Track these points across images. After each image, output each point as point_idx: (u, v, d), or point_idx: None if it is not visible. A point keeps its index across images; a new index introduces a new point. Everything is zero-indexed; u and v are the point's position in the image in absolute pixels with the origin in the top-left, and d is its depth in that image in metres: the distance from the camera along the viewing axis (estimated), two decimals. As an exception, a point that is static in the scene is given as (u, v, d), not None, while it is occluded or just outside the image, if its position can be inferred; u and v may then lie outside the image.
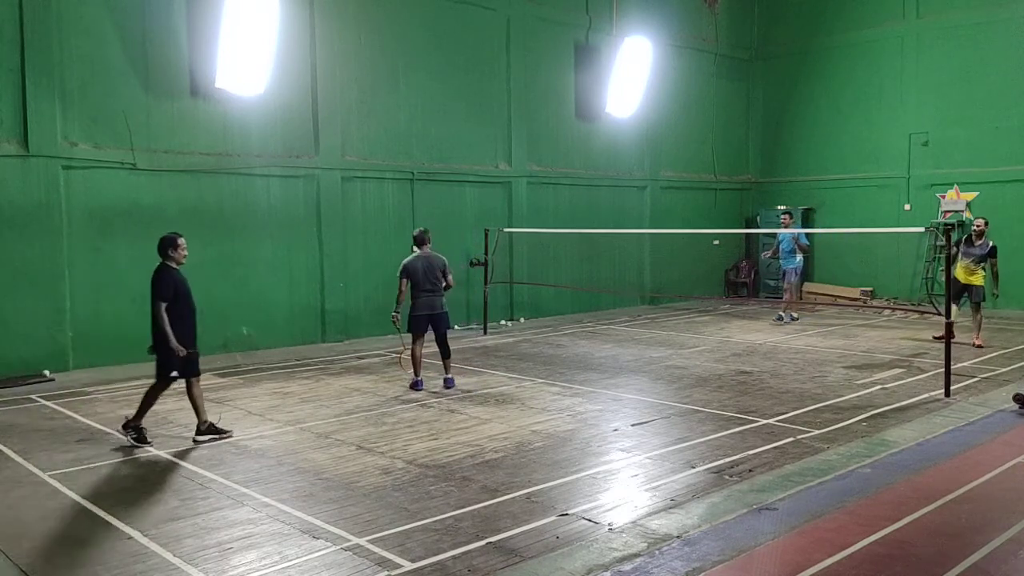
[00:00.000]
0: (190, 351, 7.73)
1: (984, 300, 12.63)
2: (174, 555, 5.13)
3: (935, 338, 12.90)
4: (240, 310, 12.97)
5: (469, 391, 9.96)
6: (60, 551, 5.24)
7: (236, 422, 8.53)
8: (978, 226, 12.50)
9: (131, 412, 7.93)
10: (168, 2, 12.21)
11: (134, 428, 7.79)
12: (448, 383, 10.09)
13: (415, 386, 10.06)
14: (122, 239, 11.88)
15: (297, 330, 13.64)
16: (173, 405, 9.38)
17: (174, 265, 7.79)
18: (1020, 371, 10.84)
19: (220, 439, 7.87)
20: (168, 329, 7.56)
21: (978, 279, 12.50)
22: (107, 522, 5.72)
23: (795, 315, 16.26)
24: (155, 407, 9.22)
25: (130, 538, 5.43)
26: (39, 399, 9.80)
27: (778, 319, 16.00)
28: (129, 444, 7.68)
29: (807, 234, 16.56)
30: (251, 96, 12.80)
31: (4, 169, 10.88)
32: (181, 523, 5.68)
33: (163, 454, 7.40)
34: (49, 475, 6.81)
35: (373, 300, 14.55)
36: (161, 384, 7.85)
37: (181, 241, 7.85)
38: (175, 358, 7.65)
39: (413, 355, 10.16)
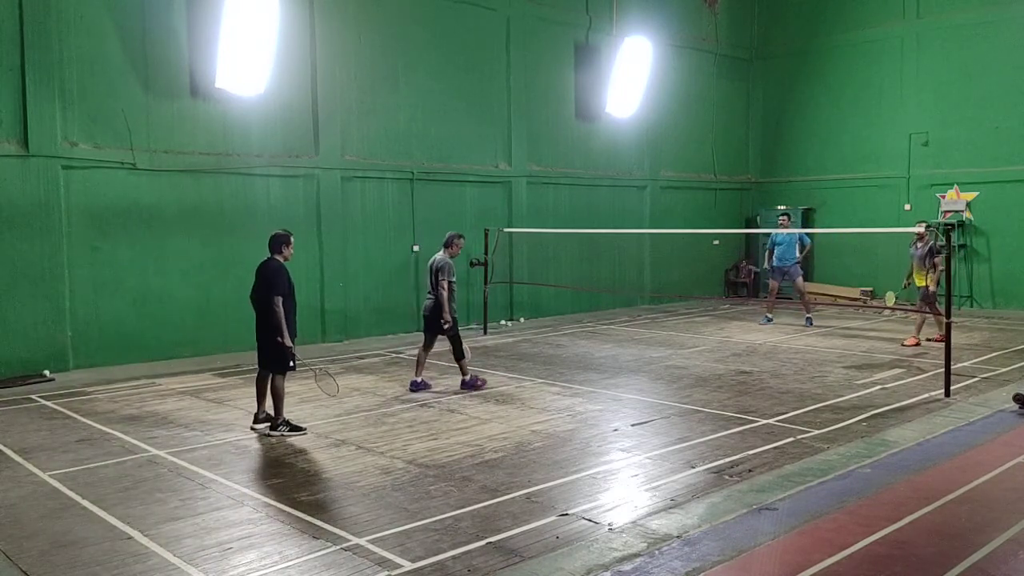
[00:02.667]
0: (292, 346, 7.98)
1: (932, 300, 12.85)
2: (174, 555, 5.13)
3: (930, 340, 13.04)
4: (240, 310, 12.95)
5: (417, 394, 9.89)
6: (60, 551, 5.23)
7: (236, 422, 8.54)
8: (919, 231, 12.83)
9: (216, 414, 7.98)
10: (168, 2, 12.21)
11: (284, 423, 8.00)
12: (461, 383, 10.02)
13: (411, 386, 10.04)
14: (122, 239, 11.88)
15: (296, 330, 13.60)
16: (173, 405, 9.39)
17: (282, 260, 8.11)
18: (1020, 371, 10.85)
19: (295, 434, 7.96)
20: (283, 323, 7.85)
21: (921, 280, 12.98)
22: (107, 522, 5.72)
23: (771, 316, 16.04)
24: (156, 407, 9.30)
25: (130, 538, 5.43)
26: (39, 399, 9.80)
27: (808, 323, 15.58)
28: (283, 436, 7.88)
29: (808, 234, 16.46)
30: (251, 96, 12.80)
31: (4, 169, 10.88)
32: (181, 523, 5.68)
33: (163, 454, 7.40)
34: (49, 475, 6.81)
35: (373, 300, 14.56)
36: (283, 376, 8.05)
37: (292, 239, 8.25)
38: (291, 352, 7.93)
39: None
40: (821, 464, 6.84)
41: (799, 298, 16.12)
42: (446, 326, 9.77)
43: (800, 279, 15.83)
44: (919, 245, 13.12)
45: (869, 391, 9.68)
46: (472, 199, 15.97)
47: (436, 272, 9.81)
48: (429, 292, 9.98)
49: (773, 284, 15.99)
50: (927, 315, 13.05)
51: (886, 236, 17.20)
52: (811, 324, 15.51)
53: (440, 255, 9.96)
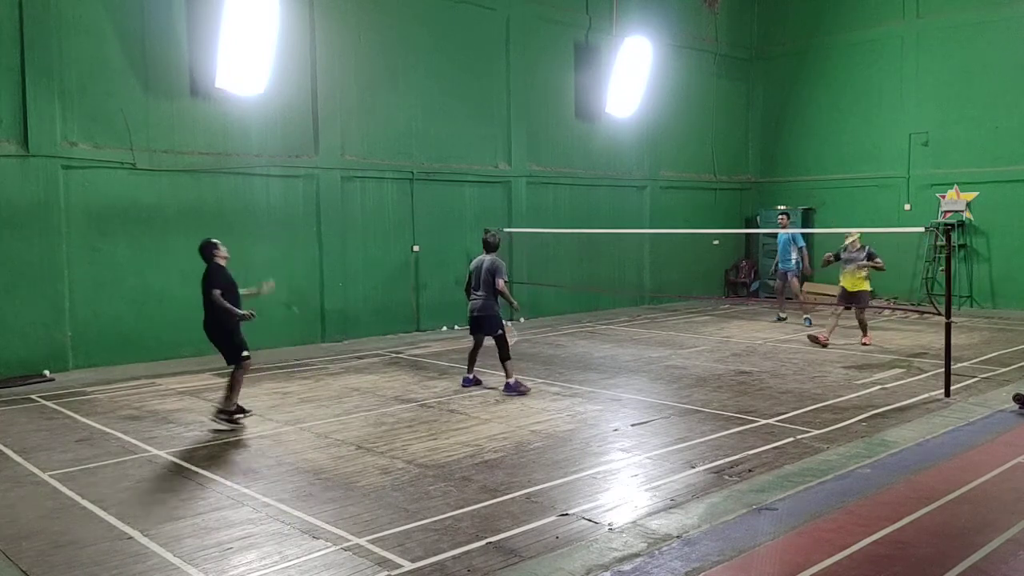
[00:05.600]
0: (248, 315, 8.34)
1: (866, 304, 13.29)
2: (174, 555, 5.13)
3: (810, 337, 13.29)
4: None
5: (469, 391, 9.95)
6: (60, 551, 5.23)
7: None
8: (852, 241, 13.15)
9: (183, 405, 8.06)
10: (168, 2, 12.21)
11: (237, 409, 8.37)
12: (505, 386, 9.86)
13: (463, 382, 10.22)
14: (121, 239, 11.88)
15: (296, 330, 13.64)
16: (173, 405, 9.39)
17: (223, 263, 8.48)
18: (1020, 371, 10.84)
19: (232, 427, 8.23)
20: (228, 305, 8.17)
21: (865, 285, 13.06)
22: (107, 522, 5.72)
23: (783, 316, 16.06)
24: (156, 407, 9.29)
25: (130, 538, 5.43)
26: (39, 399, 9.80)
27: (779, 320, 16.00)
28: (232, 426, 8.24)
29: (803, 235, 16.44)
30: (251, 96, 12.80)
31: (4, 169, 10.88)
32: (181, 523, 5.68)
33: (163, 454, 7.40)
34: (49, 475, 6.81)
35: (372, 300, 14.56)
36: (242, 368, 8.36)
37: (219, 242, 8.56)
38: (241, 342, 8.32)
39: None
40: (821, 464, 6.83)
41: (791, 296, 16.06)
42: (500, 329, 9.98)
43: (794, 280, 15.79)
44: (855, 251, 13.05)
45: (869, 391, 9.68)
46: (472, 199, 15.97)
47: (492, 272, 9.86)
48: (475, 293, 10.00)
49: (777, 285, 16.17)
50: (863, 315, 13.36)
51: (886, 236, 17.17)
52: (782, 320, 15.76)
53: (488, 257, 10.00)
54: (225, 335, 8.32)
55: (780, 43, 21.04)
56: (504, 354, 9.90)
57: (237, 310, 8.23)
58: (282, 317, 13.45)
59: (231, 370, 8.40)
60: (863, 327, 13.29)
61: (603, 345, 13.54)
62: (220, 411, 8.30)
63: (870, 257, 12.94)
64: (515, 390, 9.73)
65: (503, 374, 9.90)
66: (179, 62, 12.35)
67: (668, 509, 5.83)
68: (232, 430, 8.15)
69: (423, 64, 15.10)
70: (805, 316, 15.82)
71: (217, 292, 8.18)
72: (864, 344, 13.09)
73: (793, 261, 15.61)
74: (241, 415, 8.41)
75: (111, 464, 7.13)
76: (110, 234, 11.79)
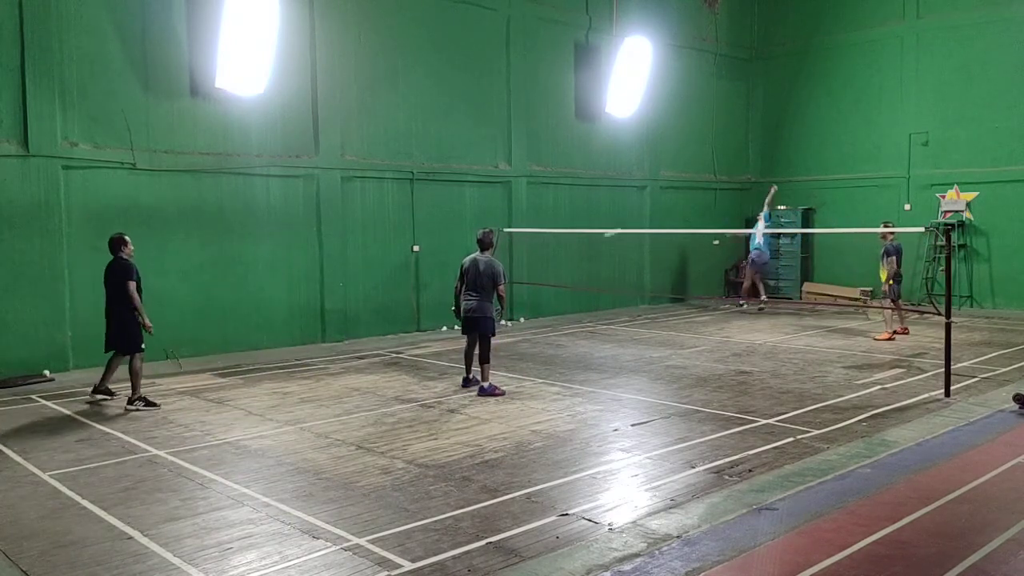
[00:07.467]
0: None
1: (888, 296, 13.80)
2: (174, 555, 5.13)
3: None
4: (240, 310, 12.98)
5: (469, 391, 9.95)
6: (60, 551, 5.23)
7: (236, 422, 8.54)
8: (883, 233, 13.75)
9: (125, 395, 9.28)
10: (168, 2, 12.21)
11: (140, 399, 9.15)
12: (479, 389, 9.78)
13: (462, 383, 10.16)
14: (122, 239, 11.86)
15: (297, 330, 13.64)
16: (173, 405, 9.39)
17: (127, 258, 9.34)
18: (1020, 371, 10.85)
19: (150, 409, 9.10)
20: (141, 304, 9.20)
21: (883, 277, 13.72)
22: (107, 522, 5.72)
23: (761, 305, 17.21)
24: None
25: (130, 538, 5.43)
26: (39, 399, 9.80)
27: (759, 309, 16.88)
28: (138, 409, 9.06)
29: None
30: (251, 96, 12.80)
31: (4, 169, 10.88)
32: (181, 523, 5.68)
33: (163, 454, 7.41)
34: (49, 475, 6.81)
35: (373, 299, 14.56)
36: (140, 356, 9.24)
37: (128, 238, 9.47)
38: (137, 332, 9.22)
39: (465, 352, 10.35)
40: (821, 464, 6.84)
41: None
42: (497, 325, 10.01)
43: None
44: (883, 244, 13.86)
45: (869, 391, 9.68)
46: (472, 199, 15.97)
47: (491, 276, 9.79)
48: (470, 294, 9.89)
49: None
50: (891, 309, 13.87)
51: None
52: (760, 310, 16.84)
53: (484, 256, 9.90)
54: (125, 325, 9.13)
55: (780, 43, 21.04)
56: (485, 355, 9.83)
57: (141, 307, 9.16)
58: (283, 317, 13.48)
59: (128, 360, 9.23)
60: (886, 321, 13.94)
61: (603, 345, 13.54)
62: (131, 399, 9.13)
63: (886, 253, 13.49)
64: (490, 393, 9.66)
65: (508, 377, 9.88)
66: (179, 62, 12.34)
67: (668, 509, 5.83)
68: (157, 406, 9.12)
69: (423, 64, 15.10)
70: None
71: (133, 284, 9.09)
72: (876, 340, 13.51)
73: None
74: (109, 397, 9.44)
75: (111, 464, 7.13)
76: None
